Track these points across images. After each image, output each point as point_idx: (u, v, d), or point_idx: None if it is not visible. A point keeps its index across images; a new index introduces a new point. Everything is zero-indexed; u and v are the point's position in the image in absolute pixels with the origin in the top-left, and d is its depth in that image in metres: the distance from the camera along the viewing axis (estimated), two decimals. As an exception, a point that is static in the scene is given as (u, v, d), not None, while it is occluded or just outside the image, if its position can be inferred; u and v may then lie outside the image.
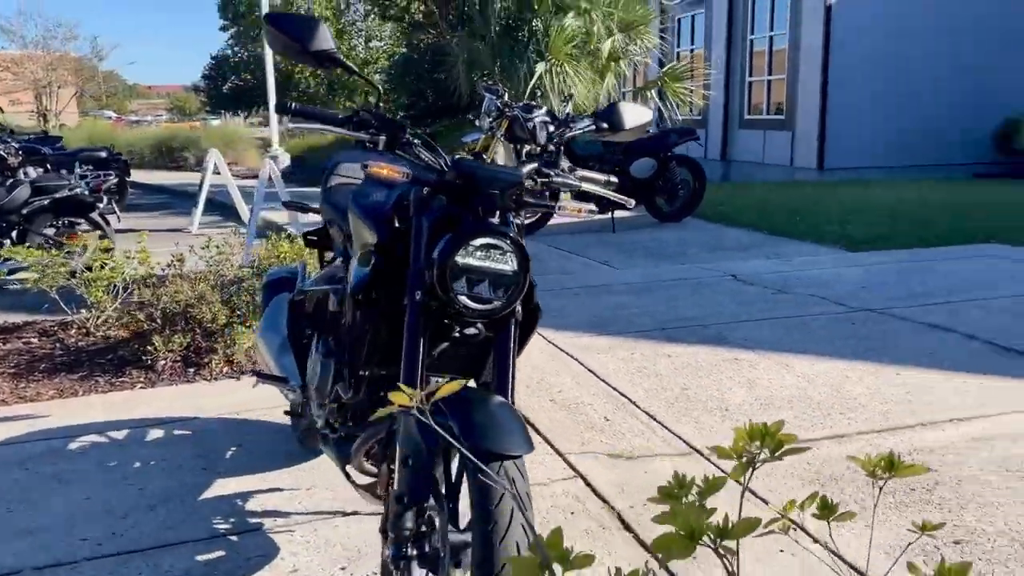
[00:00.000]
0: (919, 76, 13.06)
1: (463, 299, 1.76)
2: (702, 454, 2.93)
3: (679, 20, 17.45)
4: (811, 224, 7.91)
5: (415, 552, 1.70)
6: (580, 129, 2.22)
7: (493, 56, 11.54)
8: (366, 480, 2.21)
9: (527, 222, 7.11)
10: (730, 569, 0.98)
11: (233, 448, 3.16)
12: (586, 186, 2.08)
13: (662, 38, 11.74)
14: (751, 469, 1.03)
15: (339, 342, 2.34)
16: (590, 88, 10.87)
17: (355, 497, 2.64)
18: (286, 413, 2.83)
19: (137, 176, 14.94)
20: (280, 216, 8.56)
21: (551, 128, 7.89)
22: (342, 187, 2.77)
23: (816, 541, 2.02)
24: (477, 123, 11.16)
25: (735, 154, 15.67)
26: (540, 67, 10.60)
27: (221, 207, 11.26)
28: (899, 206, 8.94)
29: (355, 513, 2.62)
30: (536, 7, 11.12)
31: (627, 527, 2.47)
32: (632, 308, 4.98)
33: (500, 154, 10.10)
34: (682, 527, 0.94)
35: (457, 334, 1.88)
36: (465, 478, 1.70)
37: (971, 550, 2.29)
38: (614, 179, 2.20)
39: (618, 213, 7.52)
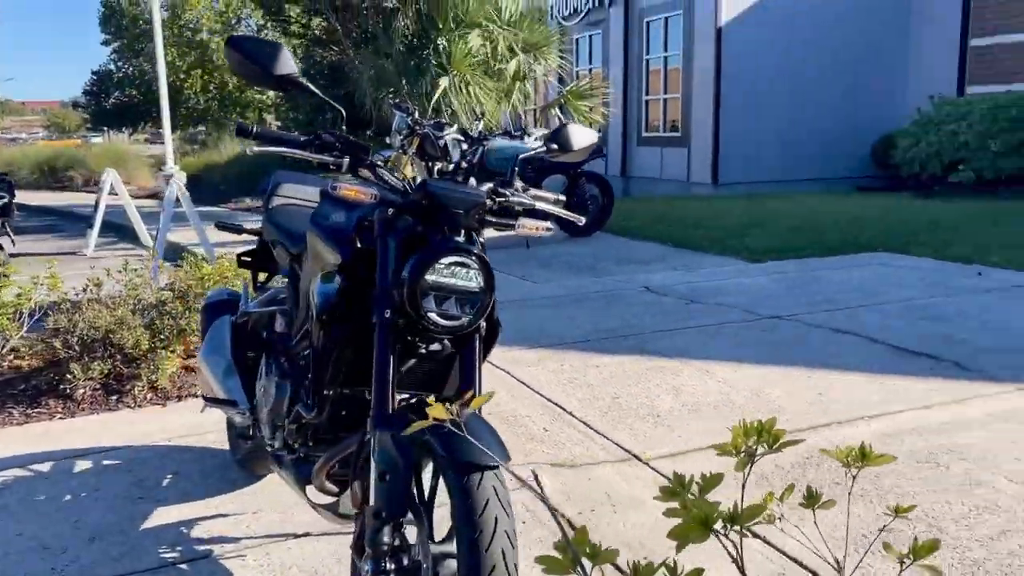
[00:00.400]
0: (804, 96, 13.80)
1: (432, 316, 1.82)
2: (640, 459, 3.06)
3: (577, 40, 17.87)
4: (713, 237, 8.25)
5: (393, 566, 1.73)
6: (532, 150, 2.30)
7: (399, 73, 11.58)
8: (326, 500, 2.22)
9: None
10: (736, 552, 1.07)
11: (170, 476, 3.09)
12: (540, 205, 2.16)
13: (563, 58, 12.01)
14: (750, 464, 1.12)
15: (293, 362, 2.35)
16: (496, 106, 11.05)
17: (306, 519, 2.65)
18: (240, 436, 2.79)
19: (20, 197, 14.20)
20: (185, 236, 8.34)
21: (464, 146, 8.03)
22: (285, 208, 2.78)
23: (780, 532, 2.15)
24: (388, 140, 11.12)
25: (634, 170, 16.15)
26: (444, 81, 10.71)
27: (116, 228, 10.86)
28: (792, 218, 9.43)
29: (307, 535, 2.62)
30: (440, 26, 11.23)
31: (578, 533, 2.56)
32: (556, 321, 5.11)
33: (411, 171, 10.13)
34: (696, 517, 1.03)
35: (423, 351, 1.94)
36: (443, 490, 1.75)
37: (895, 537, 2.48)
38: (562, 197, 2.30)
39: (531, 229, 7.65)
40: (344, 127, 2.05)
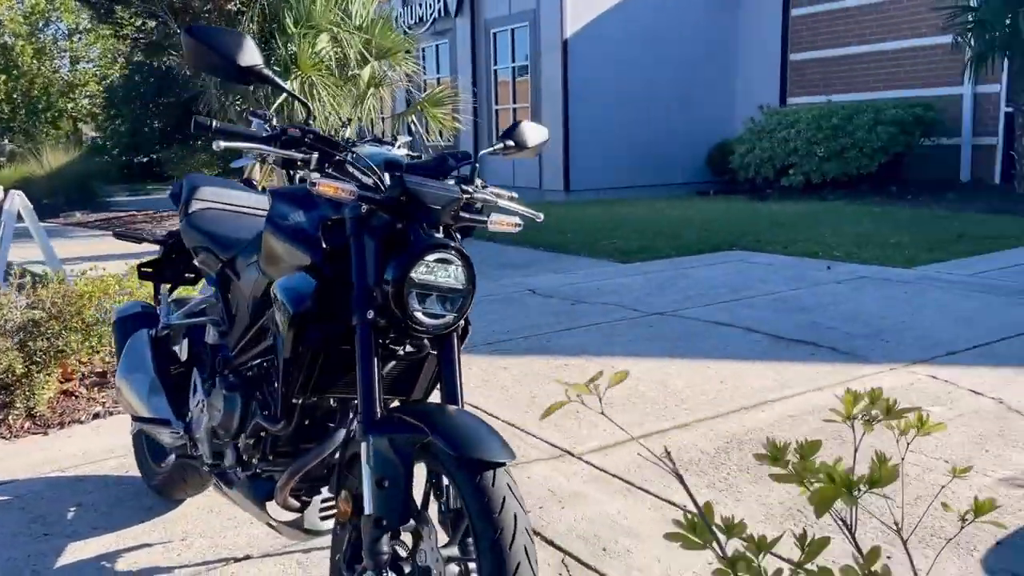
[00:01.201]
0: (646, 107, 14.47)
1: (418, 315, 1.77)
2: (573, 454, 3.10)
3: (423, 49, 17.87)
4: (580, 241, 8.49)
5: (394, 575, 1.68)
6: (489, 149, 2.29)
7: (246, 80, 11.14)
8: (287, 516, 2.11)
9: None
10: (848, 525, 1.11)
11: (73, 508, 2.83)
12: (501, 202, 2.16)
13: (417, 64, 11.98)
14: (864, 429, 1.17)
15: (239, 374, 2.21)
16: (351, 111, 10.88)
17: (240, 542, 2.52)
18: (154, 459, 2.59)
19: None
20: (27, 252, 7.65)
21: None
22: (208, 212, 2.63)
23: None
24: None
25: (487, 178, 16.18)
26: (290, 85, 10.43)
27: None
28: (648, 221, 9.85)
29: (247, 557, 2.47)
30: (289, 31, 10.92)
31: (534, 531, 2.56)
32: (449, 327, 5.08)
33: (275, 180, 9.76)
34: (842, 481, 1.06)
35: (400, 352, 1.88)
36: (442, 493, 1.71)
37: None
38: (515, 194, 2.30)
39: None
40: (312, 122, 1.97)
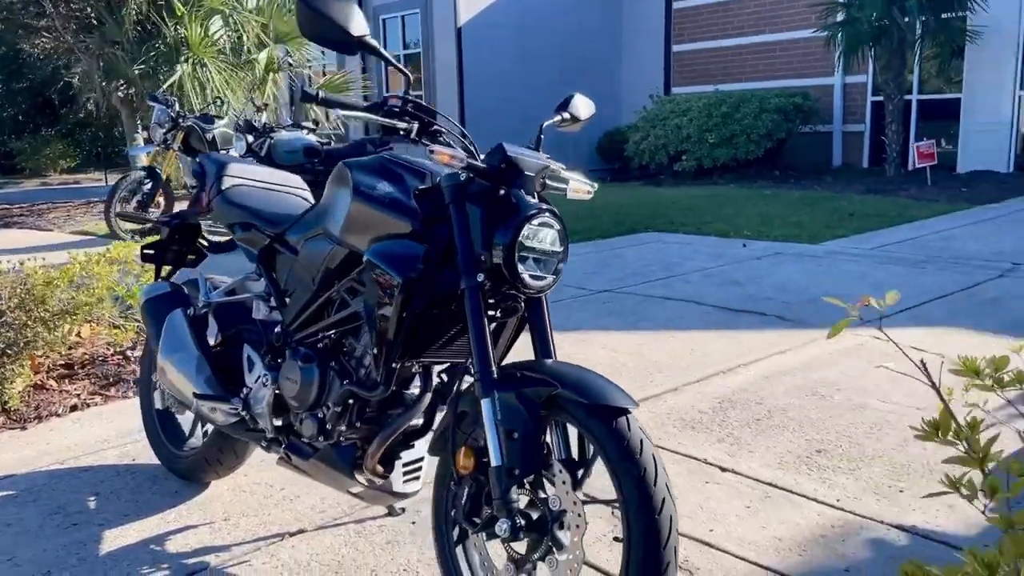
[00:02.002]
0: (539, 93, 14.68)
1: (526, 277, 1.86)
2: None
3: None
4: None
5: (523, 522, 1.76)
6: (550, 121, 2.37)
7: (132, 62, 10.64)
8: (364, 484, 2.13)
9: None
10: None
11: (92, 498, 2.73)
12: (564, 172, 2.26)
13: (320, 50, 11.76)
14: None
15: (311, 346, 2.22)
16: (247, 96, 10.57)
17: (287, 517, 2.53)
18: (173, 441, 2.54)
19: None
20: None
21: (249, 138, 7.62)
22: (243, 189, 2.60)
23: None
24: (147, 134, 10.18)
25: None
26: (180, 68, 10.06)
27: None
28: (558, 206, 10.06)
29: (301, 531, 2.49)
30: (178, 12, 10.48)
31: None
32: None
33: (181, 167, 9.37)
34: None
35: (498, 314, 1.97)
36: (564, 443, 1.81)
37: (830, 453, 2.91)
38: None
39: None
40: (410, 91, 2.01)
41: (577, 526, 1.71)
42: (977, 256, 6.33)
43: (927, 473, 2.72)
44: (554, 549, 1.75)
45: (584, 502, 1.75)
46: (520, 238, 1.84)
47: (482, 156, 1.98)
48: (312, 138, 9.04)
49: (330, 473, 2.17)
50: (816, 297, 5.13)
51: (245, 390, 2.38)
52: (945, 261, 6.19)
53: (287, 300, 2.37)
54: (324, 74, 12.47)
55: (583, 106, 2.30)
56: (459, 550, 1.98)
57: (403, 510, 2.56)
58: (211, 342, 2.60)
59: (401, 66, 2.03)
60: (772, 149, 12.29)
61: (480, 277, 1.85)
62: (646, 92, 14.58)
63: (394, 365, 1.98)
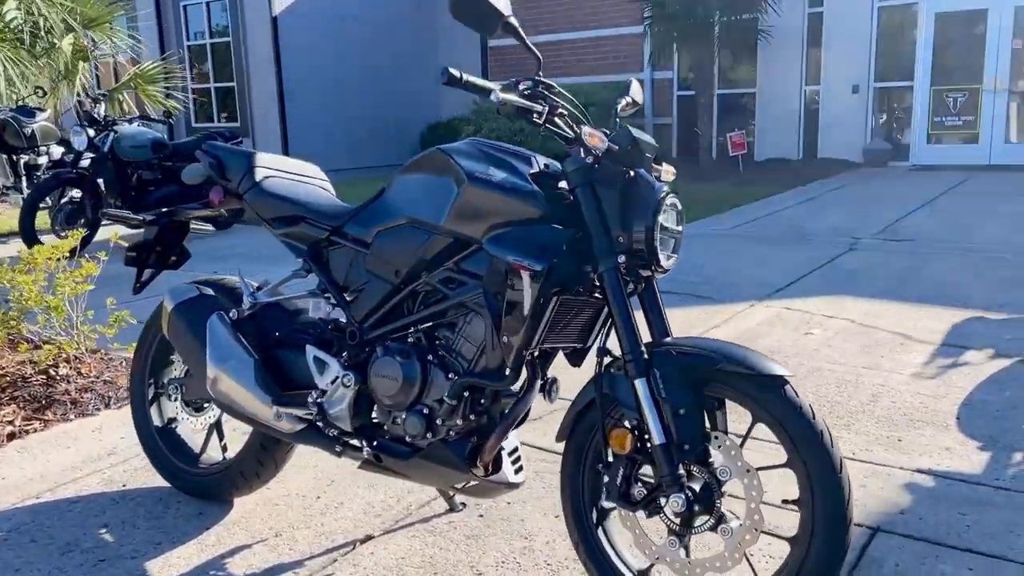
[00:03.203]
0: (361, 87, 14.50)
1: (662, 257, 1.91)
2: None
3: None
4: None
5: (695, 495, 1.82)
6: (622, 103, 2.37)
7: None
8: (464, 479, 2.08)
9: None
10: None
11: (103, 530, 2.44)
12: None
13: (135, 38, 10.83)
14: None
15: (404, 340, 2.13)
16: (50, 84, 9.58)
17: (344, 525, 2.44)
18: (182, 458, 2.33)
19: None
20: None
21: (91, 131, 6.92)
22: (274, 180, 2.43)
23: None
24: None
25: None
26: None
27: None
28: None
29: (370, 537, 2.38)
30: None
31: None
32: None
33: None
34: None
35: (596, 297, 2.00)
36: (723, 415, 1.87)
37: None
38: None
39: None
40: (540, 73, 1.99)
41: (753, 493, 1.78)
42: (819, 233, 7.05)
43: (910, 424, 3.06)
44: (725, 518, 1.82)
45: (758, 469, 1.82)
46: (660, 218, 1.88)
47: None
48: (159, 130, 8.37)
49: (437, 471, 2.10)
50: (714, 276, 5.50)
51: (315, 393, 2.23)
52: (795, 239, 6.83)
53: (354, 296, 2.25)
54: (136, 63, 11.49)
55: (638, 91, 2.35)
56: (600, 533, 1.99)
57: (464, 505, 2.52)
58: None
59: (535, 48, 2.00)
60: (598, 140, 12.85)
61: (622, 259, 1.88)
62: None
63: (525, 353, 1.96)
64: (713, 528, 1.82)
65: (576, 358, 2.12)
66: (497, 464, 2.10)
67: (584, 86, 13.15)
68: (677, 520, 1.85)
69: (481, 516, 2.47)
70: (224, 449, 2.62)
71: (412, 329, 2.13)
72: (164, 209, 2.68)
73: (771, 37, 12.56)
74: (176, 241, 2.72)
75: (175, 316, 2.39)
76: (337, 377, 2.19)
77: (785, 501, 1.83)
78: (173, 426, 2.70)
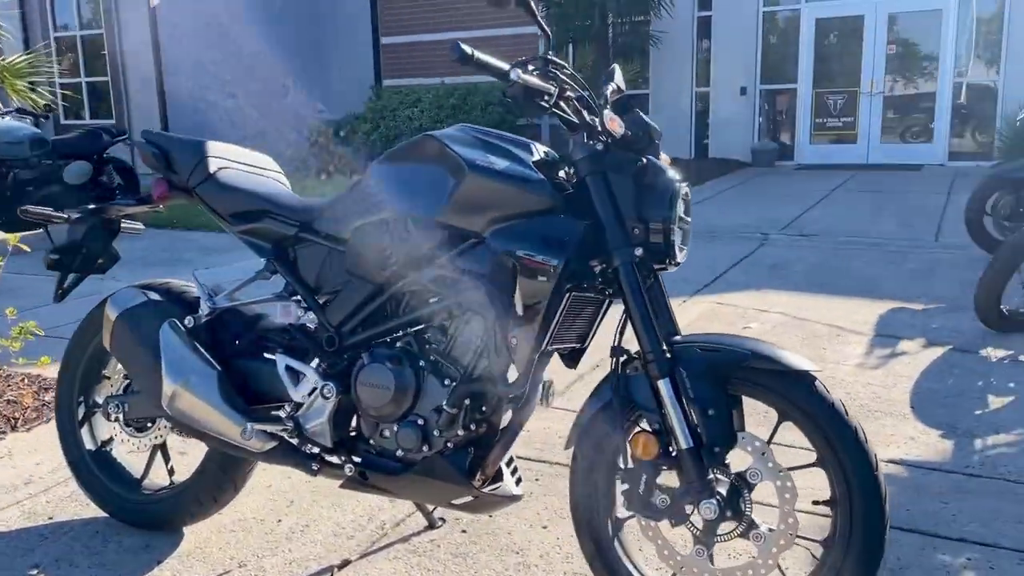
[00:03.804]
0: (251, 83, 13.89)
1: (677, 248, 1.81)
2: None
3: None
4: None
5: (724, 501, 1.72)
6: (610, 90, 2.25)
7: None
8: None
9: None
10: None
11: (34, 570, 2.13)
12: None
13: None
14: None
15: (390, 346, 1.95)
16: None
17: (314, 551, 2.24)
18: (124, 487, 2.08)
19: None
20: None
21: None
22: (230, 172, 2.19)
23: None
24: None
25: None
26: None
27: None
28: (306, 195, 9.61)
29: (347, 562, 2.18)
30: None
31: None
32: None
33: None
34: None
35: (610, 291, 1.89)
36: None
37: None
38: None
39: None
40: (551, 52, 1.84)
41: (787, 495, 1.70)
42: (729, 229, 7.18)
43: (869, 415, 3.08)
44: (756, 523, 1.73)
45: (790, 468, 1.73)
46: (676, 209, 1.78)
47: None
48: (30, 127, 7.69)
49: (433, 486, 1.92)
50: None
51: (288, 407, 2.01)
52: (707, 235, 6.92)
53: (329, 298, 2.04)
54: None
55: (620, 77, 2.24)
56: (616, 545, 1.87)
57: (443, 520, 2.35)
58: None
59: (545, 26, 1.86)
60: (496, 140, 12.80)
61: (639, 251, 1.77)
62: (356, 83, 14.39)
63: (535, 356, 1.82)
64: (744, 534, 1.73)
65: (573, 359, 1.98)
66: (496, 476, 1.95)
67: (482, 85, 13.09)
68: (706, 528, 1.74)
69: (464, 531, 2.30)
70: (171, 472, 2.34)
71: (400, 333, 1.95)
72: (92, 206, 2.38)
73: (662, 40, 12.80)
74: (105, 242, 2.42)
75: (120, 325, 2.11)
76: (315, 388, 1.98)
77: (815, 502, 1.77)
78: (108, 449, 2.41)
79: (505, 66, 1.73)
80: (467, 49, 1.67)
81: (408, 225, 1.92)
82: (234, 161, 2.22)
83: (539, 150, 1.90)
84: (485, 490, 1.91)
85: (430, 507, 2.33)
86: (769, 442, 1.75)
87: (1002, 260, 3.82)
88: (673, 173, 1.82)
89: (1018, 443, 2.80)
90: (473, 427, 1.89)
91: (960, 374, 3.45)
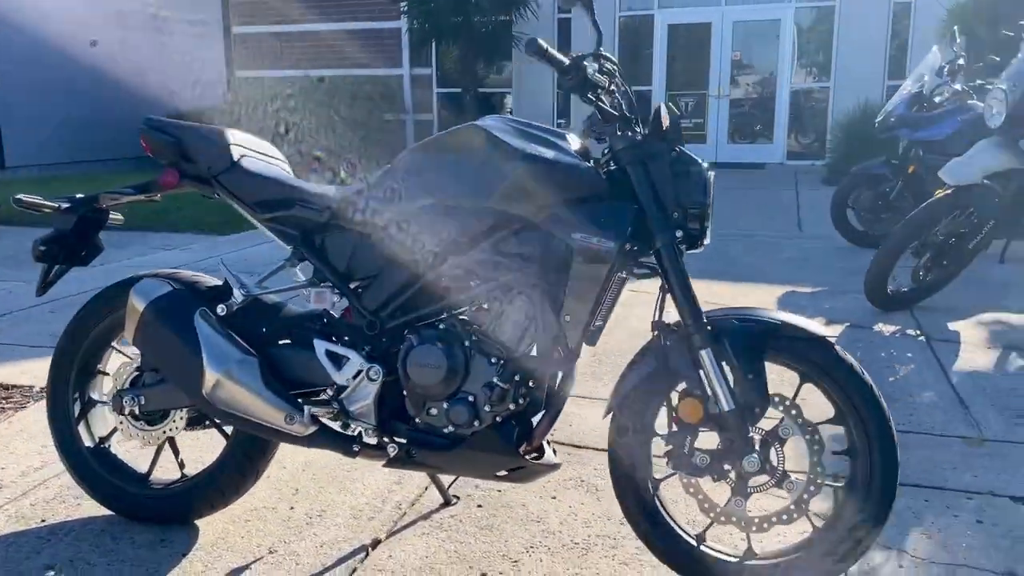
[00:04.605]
0: (89, 73, 13.06)
1: (708, 231, 2.01)
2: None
3: None
4: (146, 216, 7.60)
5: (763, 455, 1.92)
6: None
7: None
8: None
9: None
10: None
11: (50, 573, 2.05)
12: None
13: None
14: None
15: (434, 327, 2.02)
16: None
17: (340, 532, 2.26)
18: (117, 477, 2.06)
19: None
20: None
21: None
22: (252, 159, 2.19)
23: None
24: None
25: None
26: None
27: None
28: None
29: (377, 541, 2.23)
30: None
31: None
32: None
33: None
34: None
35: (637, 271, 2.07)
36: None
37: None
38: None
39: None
40: (601, 49, 1.97)
41: (816, 447, 1.92)
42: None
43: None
44: (788, 474, 1.94)
45: (816, 423, 1.95)
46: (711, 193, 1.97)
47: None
48: None
49: (482, 459, 2.01)
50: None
51: (331, 390, 2.04)
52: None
53: (364, 283, 2.09)
54: None
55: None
56: (656, 502, 2.03)
57: (458, 498, 2.44)
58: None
59: (597, 23, 1.99)
60: (365, 136, 12.69)
61: (679, 233, 1.95)
62: (206, 74, 13.84)
63: (586, 332, 1.95)
64: (778, 484, 1.94)
65: (595, 336, 2.13)
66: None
67: (348, 78, 12.95)
68: (743, 480, 1.94)
69: (480, 506, 2.40)
70: (181, 465, 2.30)
71: (444, 315, 2.03)
72: (81, 196, 2.29)
73: (524, 41, 13.12)
74: (91, 233, 2.33)
75: (151, 316, 2.05)
76: (360, 371, 2.02)
77: (835, 452, 2.00)
78: (106, 445, 2.32)
79: (566, 60, 1.86)
80: (542, 43, 1.78)
81: (454, 211, 1.99)
82: (251, 149, 2.21)
83: (574, 140, 2.03)
84: (532, 461, 2.02)
85: (446, 483, 2.42)
86: (793, 401, 1.97)
87: (889, 247, 4.30)
88: (703, 162, 2.00)
89: (931, 402, 3.20)
90: (520, 401, 2.00)
91: (864, 347, 3.87)
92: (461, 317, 2.04)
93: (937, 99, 5.90)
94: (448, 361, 1.97)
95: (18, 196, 2.21)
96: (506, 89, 14.17)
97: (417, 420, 2.04)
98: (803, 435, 1.94)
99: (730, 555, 2.00)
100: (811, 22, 12.95)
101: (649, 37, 13.41)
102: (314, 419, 2.04)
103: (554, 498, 2.45)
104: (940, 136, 5.53)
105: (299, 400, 2.05)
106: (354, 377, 2.03)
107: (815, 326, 1.96)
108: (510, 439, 2.00)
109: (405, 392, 2.03)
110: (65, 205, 2.27)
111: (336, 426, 2.07)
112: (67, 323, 2.31)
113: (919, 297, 4.47)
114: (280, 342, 2.11)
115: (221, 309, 2.09)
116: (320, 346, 2.06)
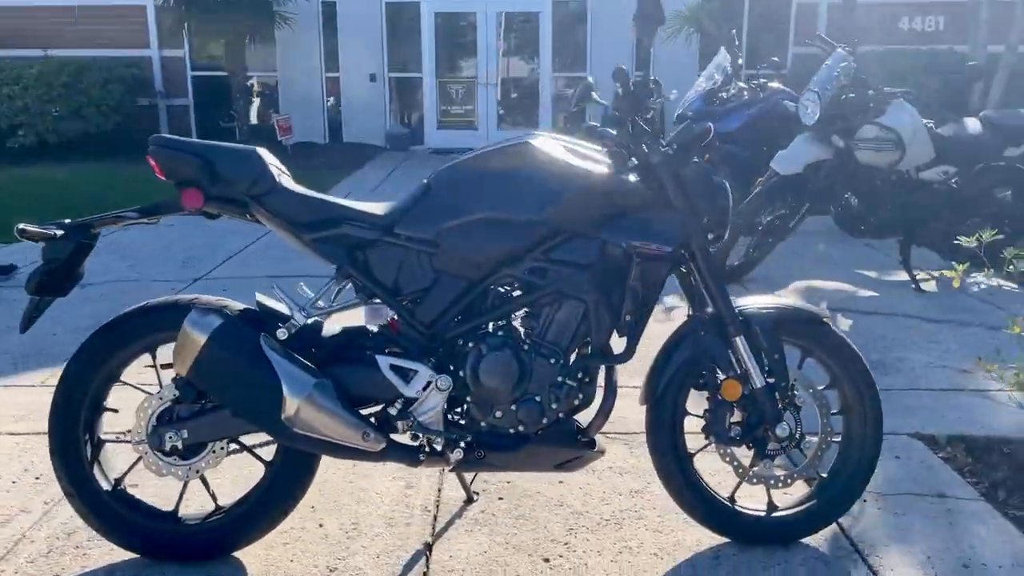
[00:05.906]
0: None
1: (728, 232, 2.30)
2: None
3: None
4: None
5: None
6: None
7: None
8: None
9: None
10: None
11: (116, 630, 1.89)
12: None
13: None
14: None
15: (493, 334, 2.12)
16: None
17: (388, 541, 2.32)
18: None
19: None
20: None
21: None
22: (286, 177, 2.17)
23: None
24: None
25: None
26: None
27: None
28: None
29: (430, 545, 2.28)
30: None
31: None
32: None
33: None
34: None
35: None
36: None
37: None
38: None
39: None
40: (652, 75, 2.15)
41: (824, 408, 2.29)
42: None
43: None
44: (805, 435, 2.29)
45: (822, 390, 2.31)
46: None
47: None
48: None
49: (548, 454, 2.16)
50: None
51: (399, 403, 2.07)
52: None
53: (415, 297, 2.13)
54: None
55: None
56: (694, 472, 2.29)
57: (478, 494, 2.54)
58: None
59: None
60: (120, 122, 11.65)
61: (710, 236, 2.21)
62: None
63: (640, 328, 2.16)
64: (798, 445, 2.28)
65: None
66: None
67: (100, 60, 11.81)
68: (778, 444, 2.25)
69: (501, 499, 2.53)
70: (214, 497, 2.18)
71: (501, 322, 2.14)
72: (79, 220, 2.10)
73: (289, 23, 12.65)
74: (80, 260, 2.14)
75: (213, 348, 1.93)
76: (430, 382, 2.07)
77: (833, 412, 2.37)
78: (122, 486, 2.15)
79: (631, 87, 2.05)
80: (625, 69, 1.94)
81: (506, 224, 2.10)
82: (280, 167, 2.15)
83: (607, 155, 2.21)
84: (589, 450, 2.20)
85: (469, 480, 2.51)
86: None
87: (736, 227, 4.88)
88: (715, 171, 2.28)
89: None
90: (582, 396, 2.17)
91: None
92: (519, 322, 2.15)
93: (723, 95, 6.68)
94: (518, 366, 2.08)
95: (21, 226, 1.99)
96: (272, 73, 13.60)
97: (483, 424, 2.13)
98: (814, 400, 2.29)
99: (759, 510, 2.32)
100: (566, 16, 13.75)
101: (417, 23, 13.51)
102: (385, 434, 2.07)
103: (561, 483, 2.63)
104: (731, 128, 6.29)
105: (375, 417, 2.06)
106: (423, 389, 2.08)
107: (815, 309, 2.32)
108: (573, 432, 2.16)
109: (470, 398, 2.12)
110: (60, 232, 2.06)
111: (403, 438, 2.10)
112: (67, 363, 2.10)
113: (747, 270, 5.12)
114: (336, 361, 2.09)
115: (282, 333, 2.03)
116: (383, 361, 2.07)
